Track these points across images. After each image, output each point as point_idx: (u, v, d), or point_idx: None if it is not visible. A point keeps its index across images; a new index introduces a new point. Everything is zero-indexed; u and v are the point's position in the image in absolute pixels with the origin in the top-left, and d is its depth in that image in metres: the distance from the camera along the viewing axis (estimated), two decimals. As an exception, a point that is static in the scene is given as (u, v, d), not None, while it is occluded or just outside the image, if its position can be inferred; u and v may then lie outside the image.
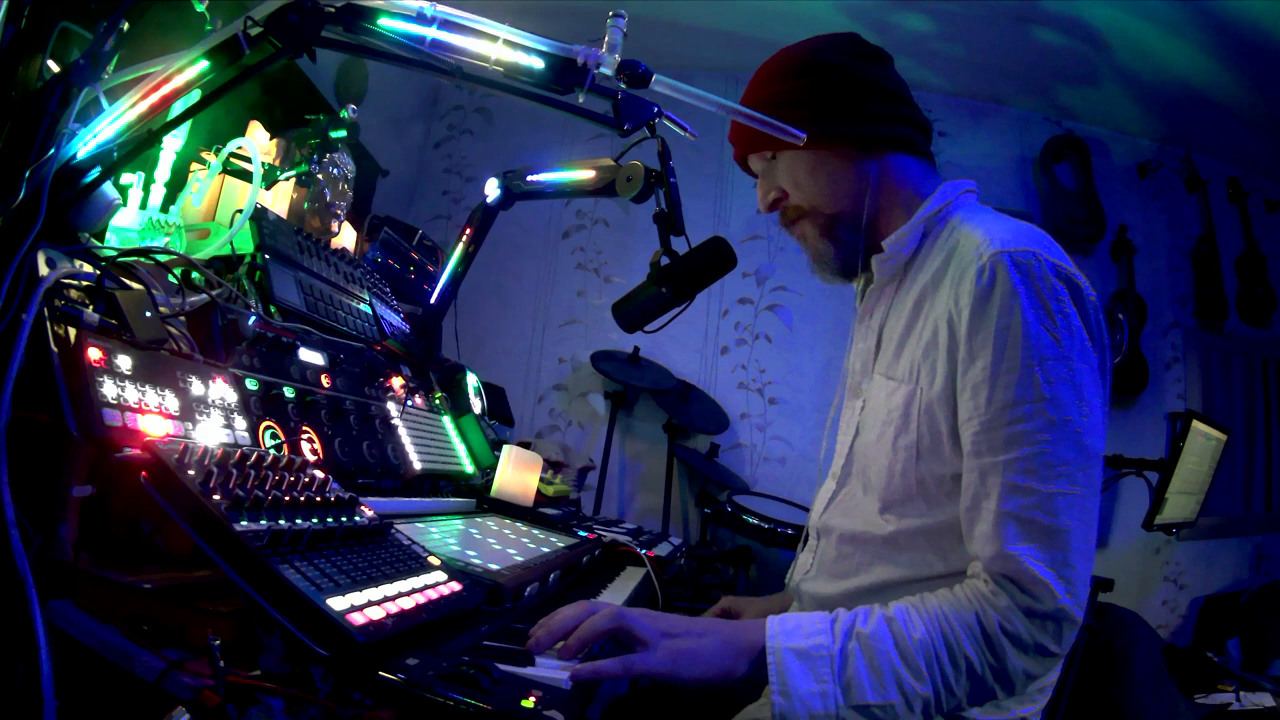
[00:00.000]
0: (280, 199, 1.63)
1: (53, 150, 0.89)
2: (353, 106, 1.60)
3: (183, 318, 0.98)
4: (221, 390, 0.93)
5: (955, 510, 0.89)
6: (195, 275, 1.08)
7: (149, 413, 0.79)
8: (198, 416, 0.86)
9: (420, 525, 1.15)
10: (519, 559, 1.10)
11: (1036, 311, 0.82)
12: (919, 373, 0.92)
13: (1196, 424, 2.53)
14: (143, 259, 1.02)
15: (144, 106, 0.95)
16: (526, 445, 1.98)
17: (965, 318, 0.85)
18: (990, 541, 0.82)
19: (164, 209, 1.32)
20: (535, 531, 1.44)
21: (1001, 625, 0.79)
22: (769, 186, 1.07)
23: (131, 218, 1.25)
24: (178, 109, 1.01)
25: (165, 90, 0.96)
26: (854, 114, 0.99)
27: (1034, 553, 0.80)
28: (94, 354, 0.76)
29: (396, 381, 1.48)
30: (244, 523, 0.66)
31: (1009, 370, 0.82)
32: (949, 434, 0.89)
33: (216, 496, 0.67)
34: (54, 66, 1.08)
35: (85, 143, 0.93)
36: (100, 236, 1.14)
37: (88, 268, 0.88)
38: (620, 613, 0.80)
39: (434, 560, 0.87)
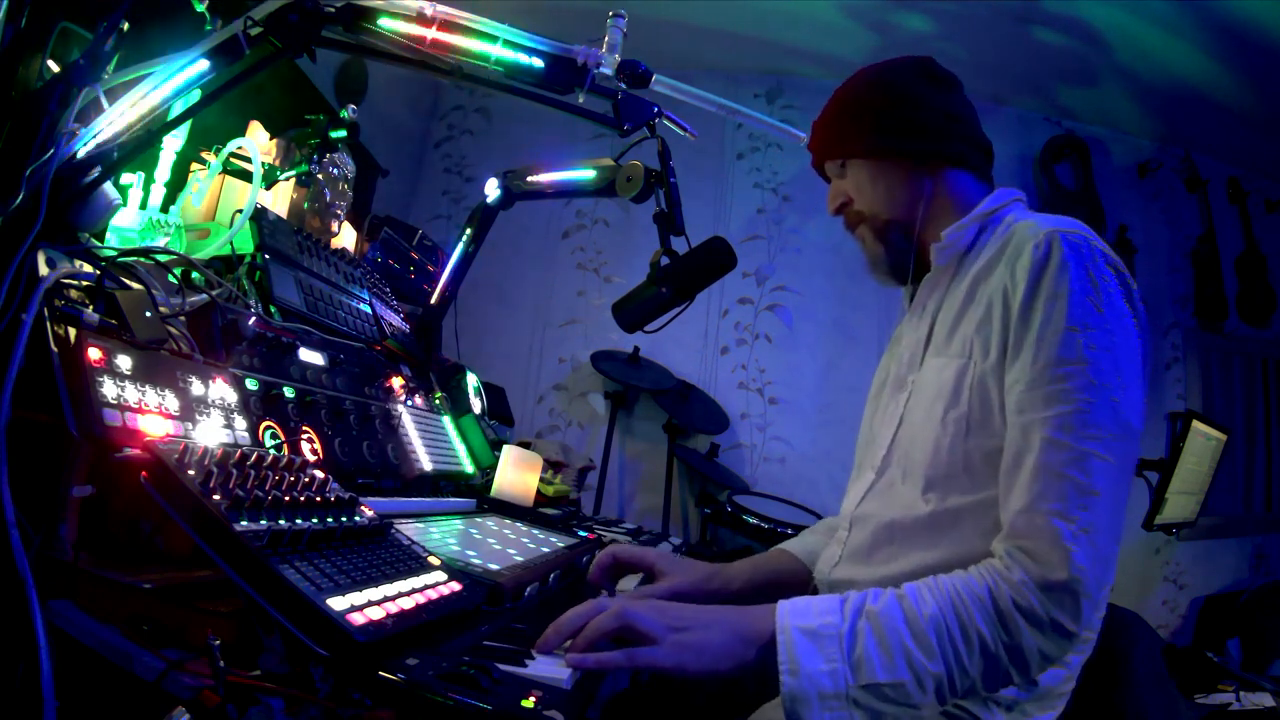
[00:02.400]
0: (280, 199, 1.63)
1: (53, 150, 0.89)
2: (353, 106, 1.59)
3: (183, 318, 0.98)
4: (221, 390, 0.93)
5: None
6: (195, 275, 1.08)
7: (149, 413, 0.79)
8: (198, 416, 0.86)
9: (420, 525, 1.15)
10: (519, 559, 1.10)
11: (1083, 284, 0.86)
12: (972, 346, 0.95)
13: (1196, 424, 2.53)
14: (143, 259, 1.02)
15: (144, 106, 0.95)
16: (526, 445, 1.98)
17: (1020, 289, 0.89)
18: (1023, 495, 0.83)
19: (164, 209, 1.32)
20: (535, 531, 1.44)
21: (1014, 600, 0.78)
22: (838, 191, 1.14)
23: (131, 218, 1.25)
24: (178, 109, 1.01)
25: (165, 90, 0.96)
26: (912, 131, 1.06)
27: (1058, 509, 0.80)
28: (94, 354, 0.76)
29: (396, 381, 1.48)
30: (244, 523, 0.66)
31: (1054, 332, 0.85)
32: (999, 406, 0.91)
33: (216, 496, 0.67)
34: (54, 66, 1.08)
35: (85, 143, 0.93)
36: (100, 236, 1.14)
37: (88, 268, 0.88)
38: (625, 609, 0.79)
39: (434, 560, 0.87)
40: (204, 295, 1.05)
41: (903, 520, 0.97)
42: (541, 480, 1.77)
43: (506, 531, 1.35)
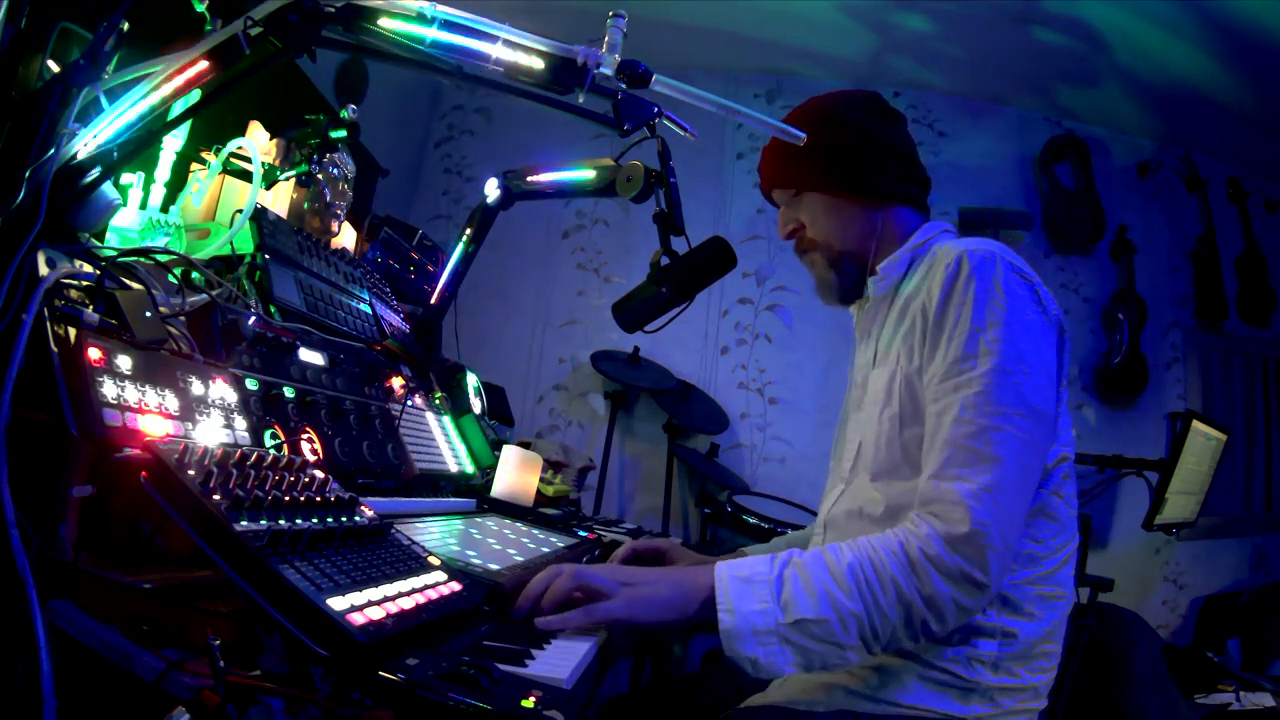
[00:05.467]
0: (280, 199, 1.63)
1: (53, 150, 0.89)
2: (353, 106, 1.59)
3: (183, 318, 0.98)
4: (221, 390, 0.93)
5: None
6: (195, 275, 1.08)
7: (149, 413, 0.79)
8: (198, 416, 0.86)
9: (420, 525, 1.15)
10: (519, 559, 1.10)
11: (988, 291, 0.96)
12: (899, 355, 1.06)
13: (1196, 424, 2.53)
14: (143, 259, 1.02)
15: (144, 106, 0.95)
16: (526, 445, 1.98)
17: (935, 300, 1.00)
18: (932, 465, 0.93)
19: (164, 209, 1.32)
20: (535, 531, 1.44)
21: (922, 550, 0.87)
22: (789, 218, 1.20)
23: (131, 218, 1.25)
24: (178, 109, 1.01)
25: (165, 90, 0.96)
26: (871, 171, 1.14)
27: (961, 474, 0.90)
28: (94, 354, 0.76)
29: (396, 381, 1.48)
30: (244, 523, 0.66)
31: (961, 333, 0.96)
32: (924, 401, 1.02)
33: (216, 496, 0.67)
34: (54, 66, 1.08)
35: (85, 143, 0.93)
36: (100, 236, 1.13)
37: (88, 268, 0.88)
38: (579, 571, 0.91)
39: (434, 560, 0.87)
40: (204, 295, 1.05)
41: (865, 512, 1.07)
42: (541, 480, 1.77)
43: (506, 531, 1.35)
